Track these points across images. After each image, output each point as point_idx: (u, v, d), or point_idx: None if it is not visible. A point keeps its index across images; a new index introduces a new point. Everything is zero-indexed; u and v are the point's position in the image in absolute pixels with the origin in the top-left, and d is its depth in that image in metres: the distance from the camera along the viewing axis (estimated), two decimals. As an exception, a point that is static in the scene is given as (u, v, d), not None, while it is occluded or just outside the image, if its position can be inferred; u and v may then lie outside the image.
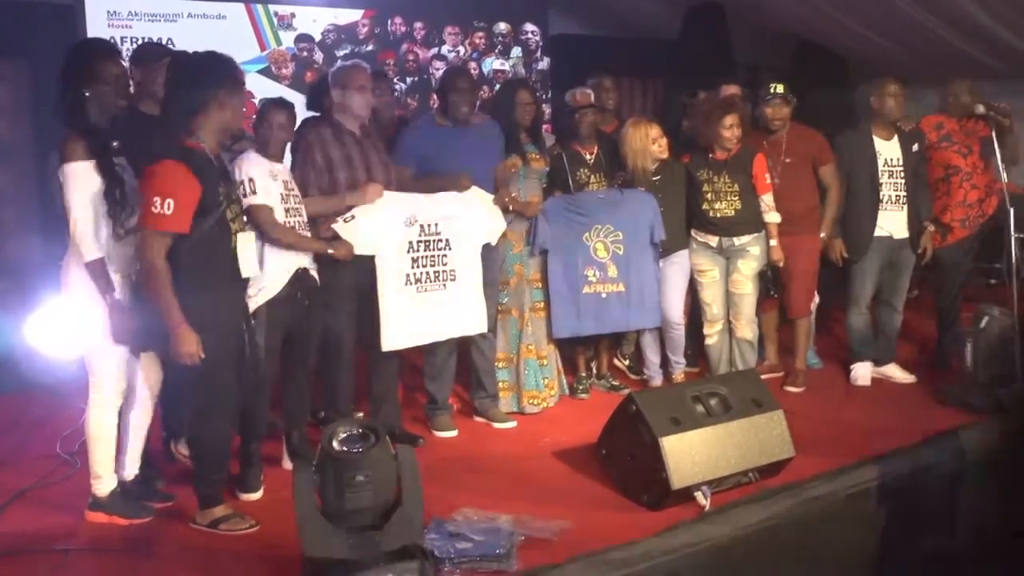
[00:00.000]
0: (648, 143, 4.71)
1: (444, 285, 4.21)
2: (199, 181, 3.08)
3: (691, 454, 3.43)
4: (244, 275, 3.34)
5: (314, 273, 3.79)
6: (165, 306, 3.07)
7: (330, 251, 3.79)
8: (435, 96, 4.61)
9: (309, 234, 3.79)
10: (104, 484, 3.41)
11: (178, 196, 3.00)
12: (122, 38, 5.96)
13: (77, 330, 3.32)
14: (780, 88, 4.85)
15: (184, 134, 3.16)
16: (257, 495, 3.68)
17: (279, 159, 3.79)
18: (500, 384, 4.66)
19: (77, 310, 3.28)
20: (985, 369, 4.52)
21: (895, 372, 5.12)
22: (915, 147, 4.97)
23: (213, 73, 3.19)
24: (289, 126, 3.81)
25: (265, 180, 3.63)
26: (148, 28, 6.29)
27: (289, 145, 4.03)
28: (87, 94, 3.21)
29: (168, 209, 2.98)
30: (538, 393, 4.68)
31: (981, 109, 4.94)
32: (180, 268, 3.09)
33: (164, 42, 6.23)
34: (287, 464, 3.79)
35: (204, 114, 3.16)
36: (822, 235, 4.94)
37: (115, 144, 3.28)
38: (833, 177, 4.91)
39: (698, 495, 3.42)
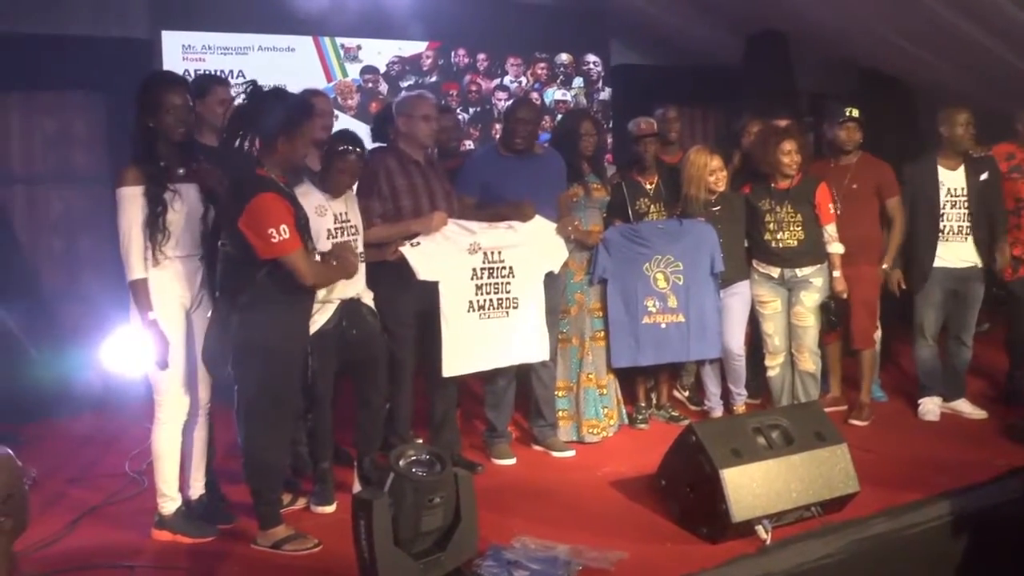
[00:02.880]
0: (704, 173, 4.69)
1: (507, 312, 4.24)
2: (290, 205, 3.27)
3: (752, 487, 3.38)
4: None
5: (368, 301, 3.85)
6: (327, 276, 3.42)
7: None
8: (498, 126, 4.66)
9: (364, 265, 3.82)
10: (169, 502, 3.50)
11: (285, 220, 3.17)
12: (196, 71, 6.15)
13: (141, 349, 3.43)
14: (855, 112, 4.85)
15: (256, 165, 3.29)
16: (331, 508, 3.79)
17: (337, 195, 3.76)
18: (560, 413, 4.65)
19: (139, 330, 3.39)
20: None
21: (965, 407, 4.99)
22: (984, 175, 4.86)
23: (276, 114, 3.28)
24: (354, 171, 3.77)
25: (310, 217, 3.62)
26: (221, 61, 6.49)
27: None
28: (151, 124, 3.34)
29: (285, 234, 3.15)
30: (598, 422, 4.66)
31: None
32: (261, 288, 3.22)
33: (235, 74, 6.42)
34: (358, 488, 3.85)
35: (269, 150, 3.29)
36: (884, 267, 4.87)
37: (181, 171, 3.40)
38: (899, 210, 4.84)
39: (759, 529, 3.37)
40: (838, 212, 4.75)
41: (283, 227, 3.14)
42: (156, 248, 3.33)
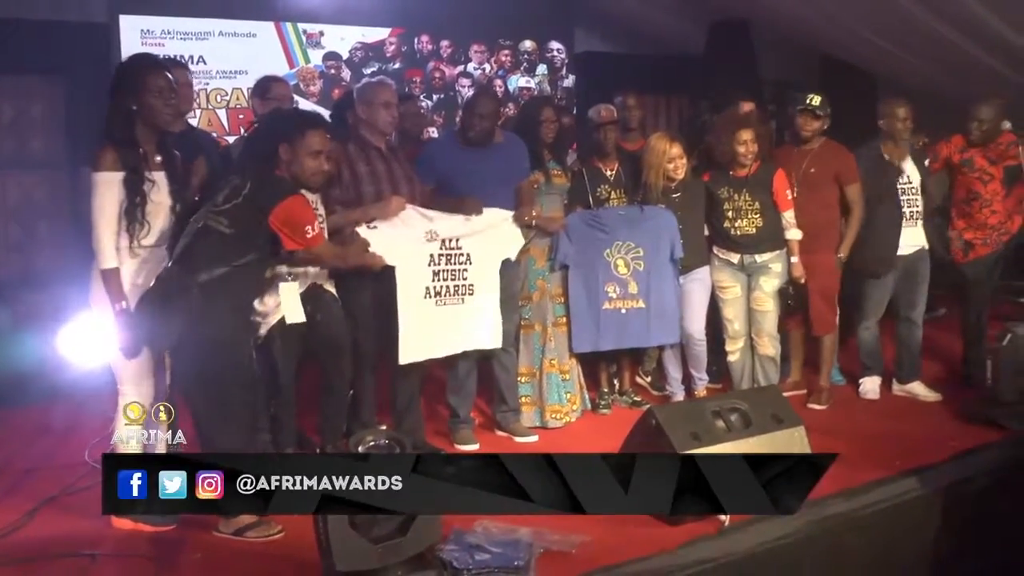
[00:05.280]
0: (663, 160, 4.71)
1: (463, 299, 4.24)
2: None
3: (711, 469, 3.42)
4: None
5: (330, 287, 3.84)
6: (343, 259, 3.76)
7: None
8: (460, 115, 4.65)
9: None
10: (131, 491, 3.46)
11: (313, 219, 3.46)
12: (155, 56, 6.08)
13: (102, 338, 3.40)
14: (816, 100, 4.80)
15: (275, 166, 3.44)
16: None
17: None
18: (523, 399, 4.68)
19: (102, 318, 3.36)
20: (1010, 386, 4.48)
21: (920, 390, 5.07)
22: (927, 161, 4.98)
23: (274, 131, 3.52)
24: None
25: None
26: (180, 46, 6.43)
27: None
28: (133, 107, 3.29)
29: (315, 229, 3.43)
30: (560, 408, 4.69)
31: (1008, 125, 4.95)
32: (236, 271, 3.28)
33: (195, 60, 6.36)
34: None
35: (282, 165, 3.45)
36: (840, 255, 4.85)
37: (159, 159, 3.38)
38: (858, 197, 4.82)
39: (717, 510, 3.42)
40: (795, 197, 4.78)
41: (315, 224, 3.43)
42: (134, 239, 3.28)
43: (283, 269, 3.63)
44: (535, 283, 4.65)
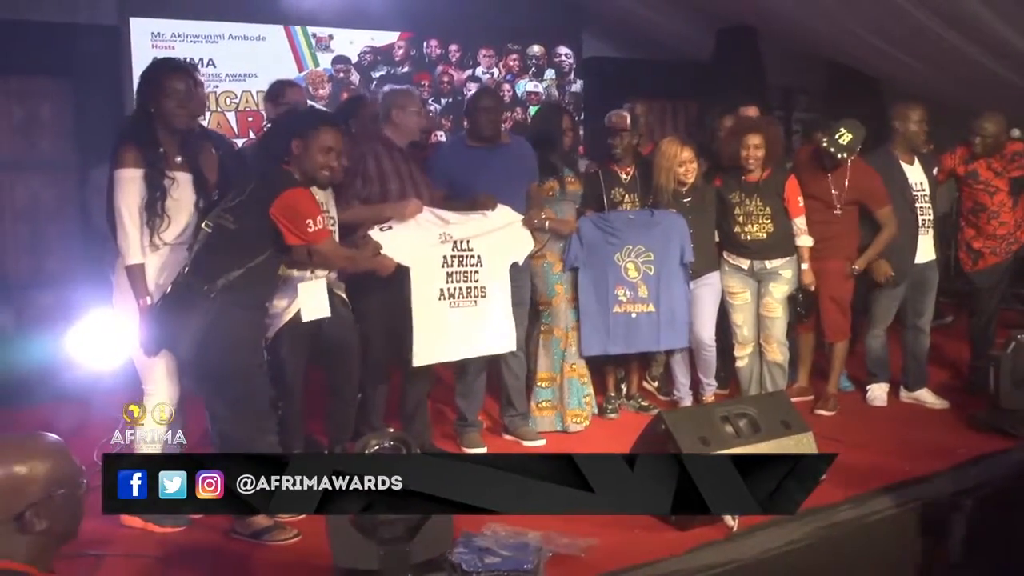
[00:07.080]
0: (674, 164, 4.72)
1: (475, 302, 4.23)
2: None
3: (719, 475, 3.41)
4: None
5: (339, 292, 3.85)
6: (352, 261, 3.70)
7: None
8: (465, 115, 4.68)
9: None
10: (140, 491, 3.46)
11: (316, 213, 3.40)
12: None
13: (124, 335, 3.41)
14: (844, 139, 4.60)
15: (283, 161, 3.43)
16: None
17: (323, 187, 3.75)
18: (543, 403, 4.67)
19: (124, 315, 3.37)
20: (1011, 394, 4.47)
21: (927, 397, 5.07)
22: (935, 170, 4.96)
23: (287, 127, 3.52)
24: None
25: None
26: (190, 49, 6.45)
27: None
28: (152, 109, 3.35)
29: (319, 224, 3.37)
30: (580, 411, 4.70)
31: (1017, 133, 4.94)
32: (252, 272, 3.28)
33: (205, 63, 6.39)
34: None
35: (292, 160, 3.43)
36: (855, 266, 4.80)
37: (179, 159, 3.41)
38: (890, 219, 4.77)
39: (726, 516, 3.41)
40: (837, 214, 4.74)
41: (319, 219, 3.37)
42: (154, 234, 3.33)
43: (294, 272, 3.63)
44: (554, 288, 4.65)
